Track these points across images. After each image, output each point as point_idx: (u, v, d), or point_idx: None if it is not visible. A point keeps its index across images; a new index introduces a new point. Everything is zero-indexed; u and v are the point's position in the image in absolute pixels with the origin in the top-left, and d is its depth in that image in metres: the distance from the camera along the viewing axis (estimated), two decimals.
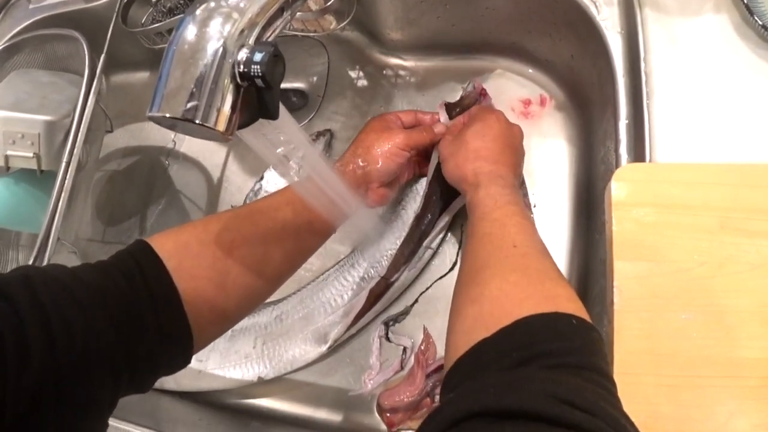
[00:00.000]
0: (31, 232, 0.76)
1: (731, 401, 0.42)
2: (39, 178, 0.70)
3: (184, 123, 0.39)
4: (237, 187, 0.81)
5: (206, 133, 0.40)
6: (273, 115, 0.40)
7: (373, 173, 0.59)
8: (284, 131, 0.46)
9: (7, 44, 0.78)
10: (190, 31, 0.40)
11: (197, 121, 0.38)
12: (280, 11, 0.42)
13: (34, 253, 0.64)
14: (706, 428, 0.42)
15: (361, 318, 0.66)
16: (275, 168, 0.73)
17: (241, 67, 0.38)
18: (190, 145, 0.85)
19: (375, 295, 0.65)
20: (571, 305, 0.39)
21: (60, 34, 0.76)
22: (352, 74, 0.79)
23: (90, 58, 0.70)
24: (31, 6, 0.83)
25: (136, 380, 0.40)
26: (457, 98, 0.69)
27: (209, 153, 0.84)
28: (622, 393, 0.43)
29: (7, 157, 0.68)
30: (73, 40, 0.74)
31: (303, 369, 0.70)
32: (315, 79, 0.80)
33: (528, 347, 0.35)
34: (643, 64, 0.53)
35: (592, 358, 0.36)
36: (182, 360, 0.44)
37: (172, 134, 0.87)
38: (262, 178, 0.76)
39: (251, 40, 0.40)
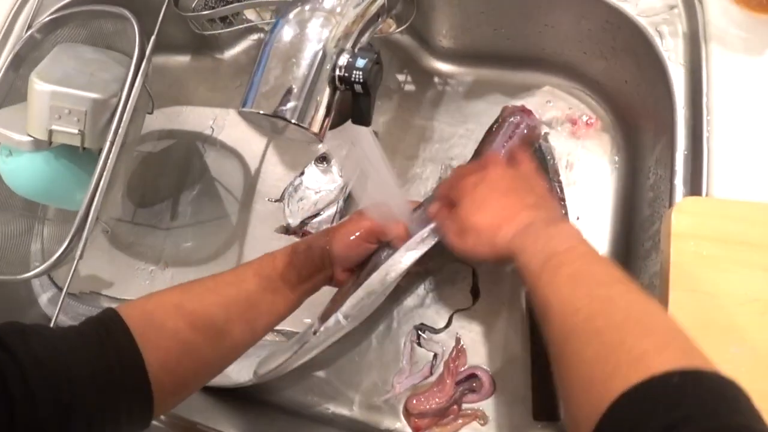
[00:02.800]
0: (64, 208, 0.76)
1: None
2: (79, 155, 0.69)
3: (276, 121, 0.39)
4: (275, 179, 0.80)
5: (297, 132, 0.40)
6: (366, 122, 0.41)
7: (335, 257, 0.60)
8: (361, 139, 0.46)
9: (53, 17, 0.77)
10: (288, 32, 0.40)
11: (294, 121, 0.38)
12: (376, 16, 0.43)
13: (72, 231, 0.64)
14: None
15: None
16: (346, 174, 0.73)
17: (343, 71, 0.39)
18: (229, 132, 0.85)
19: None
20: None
21: (109, 11, 0.75)
22: (400, 78, 0.80)
23: (140, 39, 0.70)
24: None
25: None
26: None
27: (248, 143, 0.83)
28: None
29: (51, 132, 0.68)
30: (121, 19, 0.73)
31: (331, 368, 0.70)
32: None
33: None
34: (705, 99, 0.54)
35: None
36: (141, 426, 0.46)
37: (210, 120, 0.86)
38: (302, 173, 0.76)
39: (349, 45, 0.40)
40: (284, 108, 0.38)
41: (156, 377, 0.44)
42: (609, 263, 0.43)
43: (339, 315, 0.59)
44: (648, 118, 0.64)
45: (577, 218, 0.69)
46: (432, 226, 0.58)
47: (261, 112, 0.39)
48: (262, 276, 0.55)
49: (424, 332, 0.70)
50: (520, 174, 0.56)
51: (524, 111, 0.68)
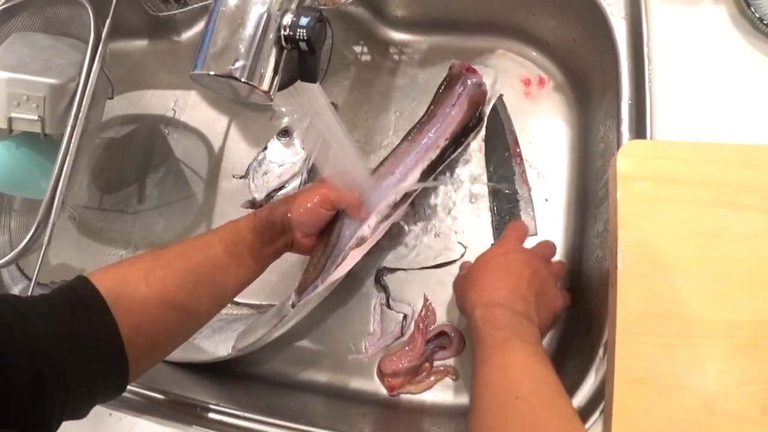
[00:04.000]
0: (29, 197, 0.76)
1: (721, 359, 0.46)
2: (41, 142, 0.69)
3: (227, 81, 0.41)
4: (239, 156, 0.81)
5: (247, 92, 0.41)
6: (313, 79, 0.42)
7: (294, 223, 0.61)
8: (312, 98, 0.48)
9: (6, 6, 0.76)
10: None
11: (243, 80, 0.40)
12: None
13: (39, 218, 0.64)
14: (698, 383, 0.46)
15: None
16: (308, 146, 0.74)
17: (287, 30, 0.40)
18: (190, 114, 0.85)
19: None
20: None
21: None
22: (356, 49, 0.81)
23: (95, 23, 0.70)
24: None
25: (76, 405, 0.43)
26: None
27: (210, 122, 0.84)
28: (623, 350, 0.47)
29: (10, 120, 0.67)
30: (76, 5, 0.73)
31: (303, 336, 0.72)
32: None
33: None
34: (646, 49, 0.56)
35: None
36: (117, 389, 0.47)
37: (172, 103, 0.86)
38: (266, 148, 0.77)
39: (294, 5, 0.42)
40: (233, 68, 0.39)
41: (130, 340, 0.45)
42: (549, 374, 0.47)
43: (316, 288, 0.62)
44: (596, 74, 0.66)
45: (546, 200, 0.71)
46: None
47: (211, 72, 0.40)
48: (227, 242, 0.56)
49: (386, 275, 0.73)
50: (519, 263, 0.56)
51: (469, 69, 0.71)
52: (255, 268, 0.59)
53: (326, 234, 0.64)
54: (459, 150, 0.70)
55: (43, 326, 0.40)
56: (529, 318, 0.52)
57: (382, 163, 0.68)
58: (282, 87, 0.42)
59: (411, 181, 0.67)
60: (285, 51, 0.41)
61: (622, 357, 0.47)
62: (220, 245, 0.56)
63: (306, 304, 0.64)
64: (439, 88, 0.72)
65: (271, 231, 0.60)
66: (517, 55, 0.76)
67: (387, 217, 0.64)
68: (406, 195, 0.66)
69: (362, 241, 0.63)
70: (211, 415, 0.59)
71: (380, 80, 0.79)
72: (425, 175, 0.67)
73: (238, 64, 0.39)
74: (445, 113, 0.70)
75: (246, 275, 0.58)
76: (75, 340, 0.42)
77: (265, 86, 0.40)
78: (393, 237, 0.73)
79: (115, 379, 0.45)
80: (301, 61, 0.41)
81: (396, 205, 0.65)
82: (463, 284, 0.60)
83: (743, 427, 0.44)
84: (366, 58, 0.81)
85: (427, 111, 0.71)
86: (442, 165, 0.69)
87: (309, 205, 0.60)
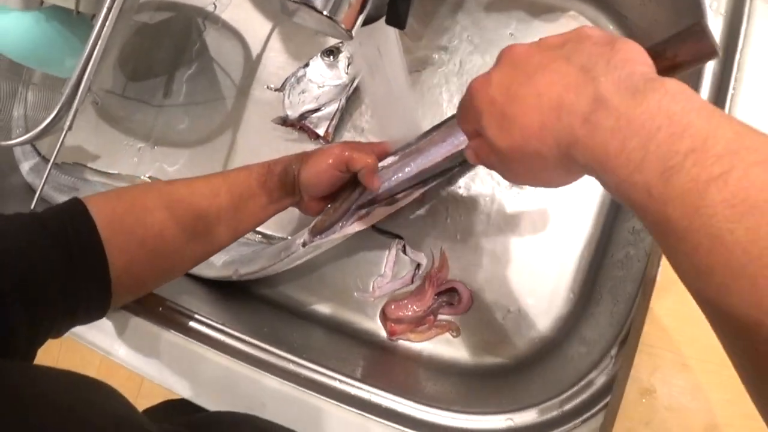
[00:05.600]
0: (52, 74, 0.72)
1: (732, 390, 0.46)
2: (72, 19, 0.65)
3: (308, 11, 0.37)
4: (277, 67, 0.77)
5: (327, 25, 0.38)
6: (402, 25, 0.38)
7: (302, 184, 0.59)
8: (388, 43, 0.44)
9: None
10: None
11: (326, 13, 0.36)
12: None
13: (63, 99, 0.61)
14: (705, 407, 0.46)
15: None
16: (355, 68, 0.70)
17: None
18: (232, 11, 0.80)
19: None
20: None
21: None
22: None
23: None
24: None
25: (55, 324, 0.42)
26: None
27: (252, 25, 0.79)
28: (641, 361, 0.47)
29: None
30: None
31: (314, 266, 0.71)
32: None
33: None
34: (738, 56, 0.52)
35: None
36: (96, 317, 0.47)
37: None
38: (307, 65, 0.73)
39: None
40: None
41: (118, 279, 0.45)
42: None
43: (332, 234, 0.61)
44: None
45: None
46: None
47: None
48: (234, 194, 0.55)
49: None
50: (548, 44, 0.34)
51: None
52: (257, 221, 0.58)
53: (356, 182, 0.61)
54: None
55: (37, 258, 0.40)
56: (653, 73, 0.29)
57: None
58: (363, 24, 0.39)
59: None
60: None
61: (638, 367, 0.47)
62: (226, 195, 0.54)
63: (317, 247, 0.63)
64: None
65: (282, 190, 0.58)
66: (588, 20, 0.71)
67: (423, 184, 0.61)
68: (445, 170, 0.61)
69: (393, 201, 0.60)
70: (216, 335, 0.59)
71: (439, 21, 0.74)
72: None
73: None
74: None
75: (247, 228, 0.58)
76: (66, 274, 0.41)
77: (347, 23, 0.37)
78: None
79: (95, 312, 0.46)
80: (393, 4, 0.37)
81: (435, 177, 0.61)
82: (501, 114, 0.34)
83: None
84: None
85: None
86: None
87: (323, 166, 0.57)
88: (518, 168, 0.35)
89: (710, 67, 0.53)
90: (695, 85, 0.54)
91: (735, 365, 0.26)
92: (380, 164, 0.60)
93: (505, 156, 0.34)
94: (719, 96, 0.52)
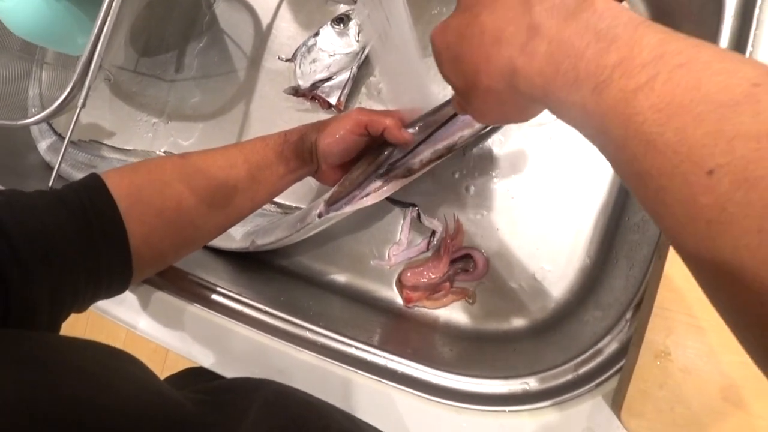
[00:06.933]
0: (64, 52, 0.72)
1: (745, 353, 0.47)
2: None
3: None
4: (288, 37, 0.76)
5: None
6: None
7: (320, 152, 0.58)
8: (395, 11, 0.44)
9: None
10: None
11: None
12: None
13: (75, 77, 0.61)
14: (720, 369, 0.46)
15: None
16: (365, 36, 0.69)
17: None
18: None
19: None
20: None
21: None
22: None
23: None
24: None
25: (78, 296, 0.43)
26: None
27: None
28: (656, 323, 0.47)
29: None
30: None
31: (330, 234, 0.72)
32: None
33: None
34: (757, 11, 0.50)
35: None
36: (118, 290, 0.48)
37: None
38: (317, 33, 0.72)
39: None
40: None
41: (137, 250, 0.46)
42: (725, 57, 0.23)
43: (347, 206, 0.60)
44: (688, 23, 0.60)
45: None
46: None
47: None
48: (251, 164, 0.55)
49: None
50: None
51: None
52: (274, 191, 0.58)
53: (372, 152, 0.60)
54: None
55: (60, 237, 0.40)
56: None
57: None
58: None
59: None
60: None
61: (653, 330, 0.47)
62: (243, 166, 0.54)
63: (333, 218, 0.63)
64: None
65: (299, 159, 0.58)
66: None
67: (440, 156, 0.60)
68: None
69: (409, 173, 0.60)
70: (236, 306, 0.60)
71: None
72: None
73: None
74: None
75: (264, 199, 0.58)
76: (88, 251, 0.42)
77: None
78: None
79: (117, 287, 0.47)
80: None
81: (451, 149, 0.60)
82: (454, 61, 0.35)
83: (752, 421, 0.45)
84: None
85: None
86: None
87: (341, 132, 0.57)
88: (481, 107, 0.35)
89: (728, 25, 0.52)
90: (714, 39, 0.52)
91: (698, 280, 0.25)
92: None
93: (467, 96, 0.35)
94: (738, 50, 0.51)
